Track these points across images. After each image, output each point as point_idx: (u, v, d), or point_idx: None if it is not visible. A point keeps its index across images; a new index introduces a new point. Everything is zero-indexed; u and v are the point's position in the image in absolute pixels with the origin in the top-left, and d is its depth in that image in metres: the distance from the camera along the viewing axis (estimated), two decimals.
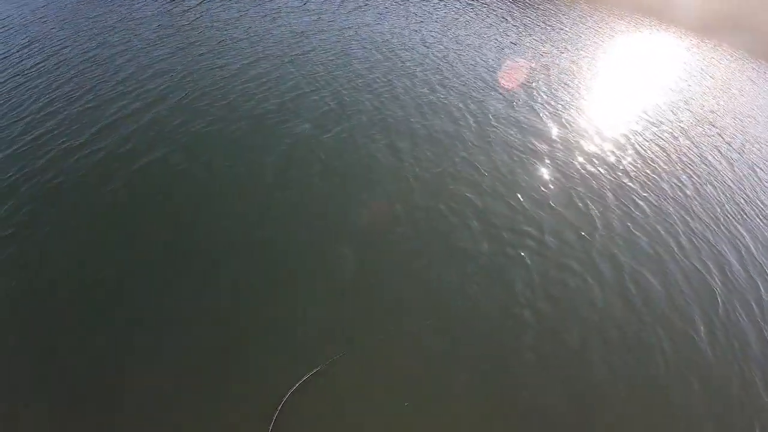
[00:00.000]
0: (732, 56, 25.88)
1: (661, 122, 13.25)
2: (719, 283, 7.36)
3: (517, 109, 11.31)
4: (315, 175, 7.54)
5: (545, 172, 8.92)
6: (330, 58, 11.86)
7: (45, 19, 13.19)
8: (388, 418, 4.57)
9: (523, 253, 6.82)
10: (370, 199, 7.24)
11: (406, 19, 16.85)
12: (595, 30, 22.29)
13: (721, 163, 11.85)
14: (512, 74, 13.57)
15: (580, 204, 8.24)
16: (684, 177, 10.39)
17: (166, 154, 7.54)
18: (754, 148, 13.73)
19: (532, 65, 14.74)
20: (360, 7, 16.86)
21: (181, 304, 5.35)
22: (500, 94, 11.93)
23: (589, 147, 10.38)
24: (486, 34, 17.10)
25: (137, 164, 7.32)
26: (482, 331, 5.64)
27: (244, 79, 10.22)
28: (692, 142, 12.53)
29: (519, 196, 8.02)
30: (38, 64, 10.39)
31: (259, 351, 4.96)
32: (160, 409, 4.39)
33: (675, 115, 14.25)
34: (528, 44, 17.09)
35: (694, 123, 14.14)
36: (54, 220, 6.22)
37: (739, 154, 12.98)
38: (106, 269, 5.62)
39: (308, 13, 15.16)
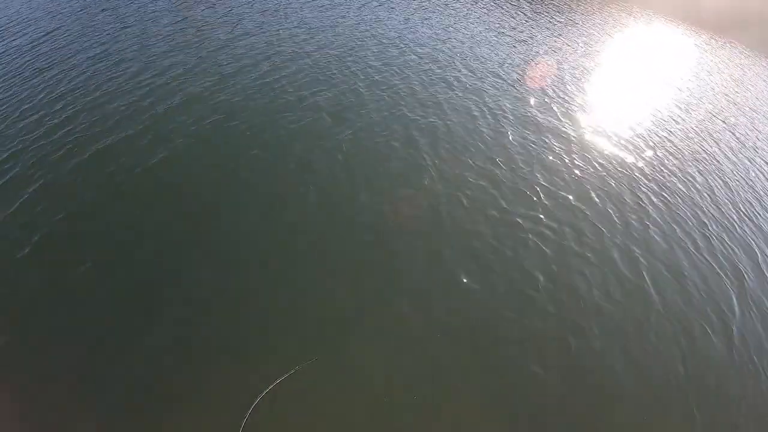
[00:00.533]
0: (743, 53, 25.68)
1: (675, 120, 13.25)
2: (734, 281, 7.44)
3: (533, 105, 11.33)
4: (329, 168, 7.59)
5: (563, 167, 8.97)
6: (345, 54, 11.87)
7: (55, 13, 13.20)
8: (362, 421, 4.48)
9: (540, 244, 6.90)
10: (394, 192, 7.29)
11: (418, 13, 16.79)
12: (607, 26, 22.14)
13: (735, 162, 11.87)
14: (527, 70, 13.55)
15: (597, 199, 8.30)
16: (697, 174, 10.44)
17: (184, 148, 7.58)
18: (767, 147, 13.72)
19: (546, 61, 14.71)
20: (370, 1, 16.79)
21: (155, 302, 5.23)
22: (516, 90, 11.94)
23: (605, 143, 10.42)
24: (498, 29, 17.03)
25: (156, 156, 7.36)
26: (487, 329, 5.64)
27: (260, 72, 10.24)
28: (707, 140, 12.54)
29: (537, 189, 8.09)
30: (49, 58, 10.42)
31: (233, 352, 4.83)
32: (132, 409, 4.32)
33: (688, 112, 14.23)
34: (540, 40, 17.02)
35: (707, 120, 14.13)
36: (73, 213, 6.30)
37: (752, 152, 12.98)
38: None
39: (319, 9, 15.13)
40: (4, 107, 8.46)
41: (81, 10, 13.22)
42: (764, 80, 21.65)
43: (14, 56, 10.50)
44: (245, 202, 6.67)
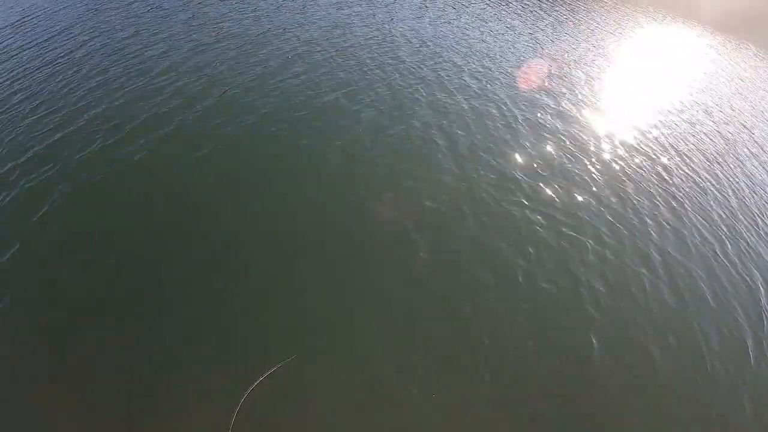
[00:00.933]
0: (757, 55, 25.79)
1: (693, 122, 13.52)
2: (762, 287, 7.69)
3: (547, 105, 11.62)
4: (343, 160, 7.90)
5: (587, 169, 9.28)
6: (376, 53, 12.16)
7: (73, 7, 13.44)
8: (349, 418, 4.52)
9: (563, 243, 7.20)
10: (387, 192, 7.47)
11: (443, 11, 17.08)
12: (621, 26, 22.31)
13: (754, 165, 12.16)
14: (543, 69, 13.83)
15: (617, 200, 8.57)
16: (720, 176, 10.74)
17: (226, 145, 7.82)
18: None
19: (560, 61, 14.96)
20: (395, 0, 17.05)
21: (140, 302, 5.29)
22: (531, 90, 12.22)
23: (620, 144, 10.70)
24: (512, 28, 17.29)
25: (197, 154, 7.53)
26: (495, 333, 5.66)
27: (294, 72, 10.50)
28: (725, 143, 12.82)
29: (559, 188, 8.40)
30: (66, 54, 10.67)
31: (217, 349, 4.86)
32: (114, 412, 4.32)
33: (707, 114, 14.48)
34: (556, 40, 17.26)
35: (724, 122, 14.38)
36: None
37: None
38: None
39: (344, 7, 15.38)
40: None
41: (94, 9, 13.51)
42: None
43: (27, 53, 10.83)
44: (240, 201, 6.86)
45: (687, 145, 11.82)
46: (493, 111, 10.45)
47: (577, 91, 12.89)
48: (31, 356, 4.73)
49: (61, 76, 9.62)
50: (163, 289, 5.45)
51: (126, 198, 6.70)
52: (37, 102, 8.73)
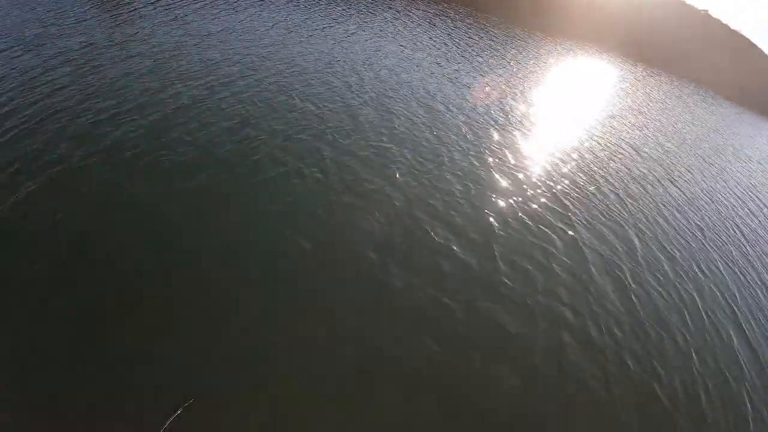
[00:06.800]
0: (672, 82, 28.64)
1: (608, 140, 14.44)
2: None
3: (473, 133, 11.91)
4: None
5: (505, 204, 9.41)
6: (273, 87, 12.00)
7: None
8: None
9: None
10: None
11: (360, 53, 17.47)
12: (534, 55, 23.99)
13: (652, 167, 13.03)
14: (471, 100, 14.31)
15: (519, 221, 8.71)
16: (613, 186, 11.33)
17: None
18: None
19: (479, 90, 15.62)
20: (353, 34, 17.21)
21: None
22: (459, 117, 12.52)
23: (537, 164, 11.08)
24: (436, 63, 17.99)
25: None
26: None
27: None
28: (625, 150, 13.71)
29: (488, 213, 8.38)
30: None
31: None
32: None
33: (616, 131, 15.55)
34: (469, 69, 18.10)
35: (629, 131, 15.48)
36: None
37: (662, 151, 14.31)
38: None
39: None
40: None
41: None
42: (682, 100, 24.16)
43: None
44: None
45: (608, 162, 12.48)
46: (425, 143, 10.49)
47: (501, 118, 13.37)
48: None
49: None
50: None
51: None
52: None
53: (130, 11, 14.16)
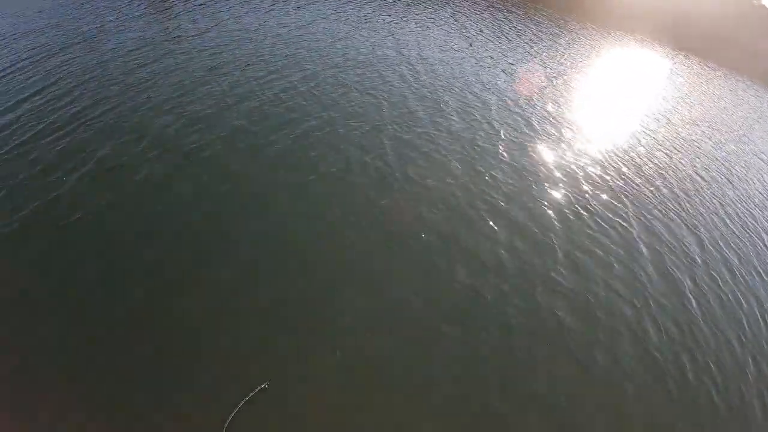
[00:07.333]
0: (726, 75, 26.96)
1: (652, 133, 13.88)
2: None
3: (522, 123, 11.70)
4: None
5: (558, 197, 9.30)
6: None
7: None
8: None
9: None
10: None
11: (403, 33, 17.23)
12: (587, 46, 22.98)
13: (714, 168, 12.51)
14: (519, 91, 14.01)
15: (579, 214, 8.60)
16: (668, 183, 10.96)
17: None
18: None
19: (534, 81, 15.20)
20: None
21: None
22: (508, 110, 12.30)
23: (588, 162, 10.82)
24: (488, 52, 17.56)
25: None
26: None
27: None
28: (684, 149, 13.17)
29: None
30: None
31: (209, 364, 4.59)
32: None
33: (671, 125, 14.92)
34: (522, 61, 17.59)
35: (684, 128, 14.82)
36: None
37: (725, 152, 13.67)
38: None
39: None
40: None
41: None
42: (735, 95, 22.77)
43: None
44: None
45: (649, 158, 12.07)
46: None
47: (552, 109, 13.05)
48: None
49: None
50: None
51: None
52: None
53: (185, 5, 14.42)
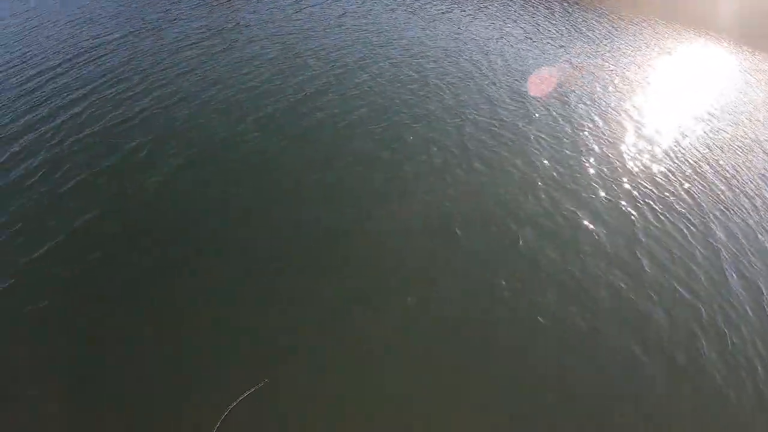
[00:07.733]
0: None
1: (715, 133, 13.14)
2: None
3: (566, 115, 11.33)
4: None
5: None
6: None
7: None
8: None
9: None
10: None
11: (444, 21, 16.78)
12: (655, 42, 21.80)
13: None
14: (566, 81, 13.55)
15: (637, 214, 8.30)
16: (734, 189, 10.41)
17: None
18: None
19: (582, 73, 14.61)
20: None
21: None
22: (550, 100, 11.94)
23: (644, 156, 10.40)
24: (535, 38, 16.96)
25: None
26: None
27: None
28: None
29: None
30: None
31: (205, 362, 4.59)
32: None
33: (735, 126, 14.09)
34: (573, 51, 16.90)
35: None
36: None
37: None
38: None
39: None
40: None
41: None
42: None
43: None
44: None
45: (710, 156, 11.48)
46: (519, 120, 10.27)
47: (597, 104, 12.57)
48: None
49: None
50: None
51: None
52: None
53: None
